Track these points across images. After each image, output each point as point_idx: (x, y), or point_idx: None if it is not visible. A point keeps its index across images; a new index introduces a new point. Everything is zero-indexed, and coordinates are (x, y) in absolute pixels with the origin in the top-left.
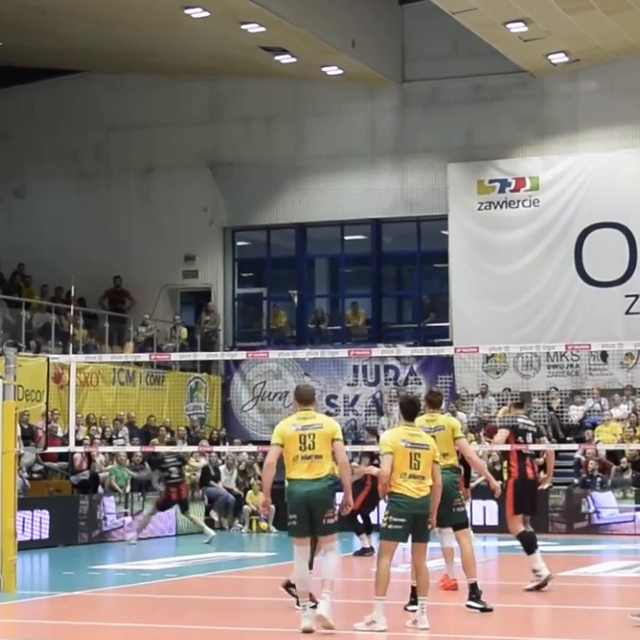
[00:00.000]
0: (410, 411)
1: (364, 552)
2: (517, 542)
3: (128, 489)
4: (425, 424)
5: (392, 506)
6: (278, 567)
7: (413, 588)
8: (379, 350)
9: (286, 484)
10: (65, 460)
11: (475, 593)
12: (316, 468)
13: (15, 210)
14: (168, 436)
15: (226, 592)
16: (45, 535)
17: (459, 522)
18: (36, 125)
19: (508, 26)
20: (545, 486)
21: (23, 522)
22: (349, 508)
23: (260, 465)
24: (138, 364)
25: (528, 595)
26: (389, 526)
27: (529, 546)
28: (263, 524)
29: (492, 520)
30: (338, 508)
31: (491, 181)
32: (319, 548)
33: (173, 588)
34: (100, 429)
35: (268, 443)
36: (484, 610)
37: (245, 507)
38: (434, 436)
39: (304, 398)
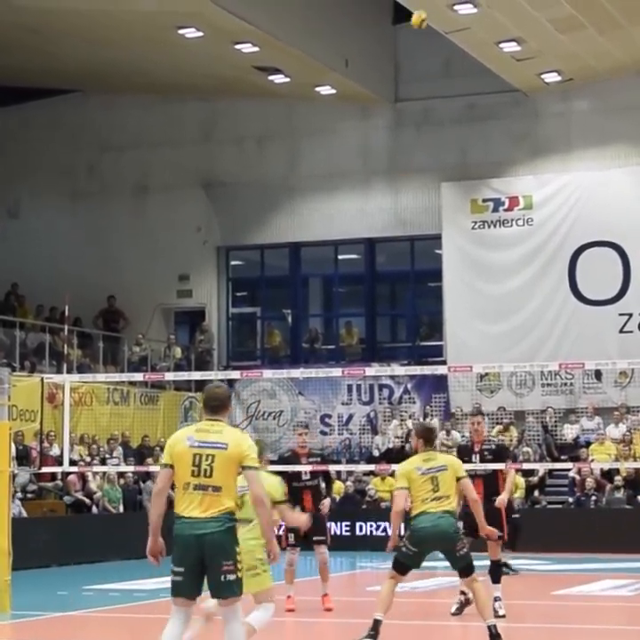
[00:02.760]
0: None
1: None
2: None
3: (121, 508)
4: (421, 464)
5: None
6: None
7: None
8: (373, 369)
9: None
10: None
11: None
12: (211, 503)
13: (9, 229)
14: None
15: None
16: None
17: (462, 565)
18: (30, 144)
19: (501, 45)
20: (501, 504)
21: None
22: (276, 560)
23: None
24: (132, 383)
25: (522, 614)
26: None
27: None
28: None
29: None
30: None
31: (484, 200)
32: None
33: (168, 608)
34: (89, 448)
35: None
36: None
37: None
38: (435, 477)
39: (210, 403)
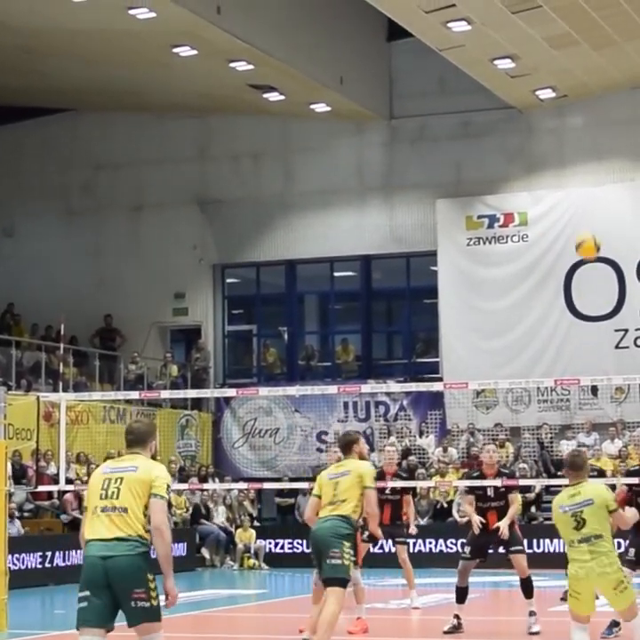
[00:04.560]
0: None
1: None
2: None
3: None
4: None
5: None
6: (268, 604)
7: None
8: (368, 386)
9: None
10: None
11: None
12: (119, 524)
13: (4, 248)
14: None
15: (216, 630)
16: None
17: (326, 576)
18: (25, 164)
19: (495, 62)
20: (504, 534)
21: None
22: (173, 604)
23: (252, 502)
24: (128, 401)
25: (520, 631)
26: None
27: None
28: (252, 561)
29: None
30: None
31: (479, 217)
32: None
33: (163, 627)
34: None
35: (258, 479)
36: None
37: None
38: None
39: (126, 437)
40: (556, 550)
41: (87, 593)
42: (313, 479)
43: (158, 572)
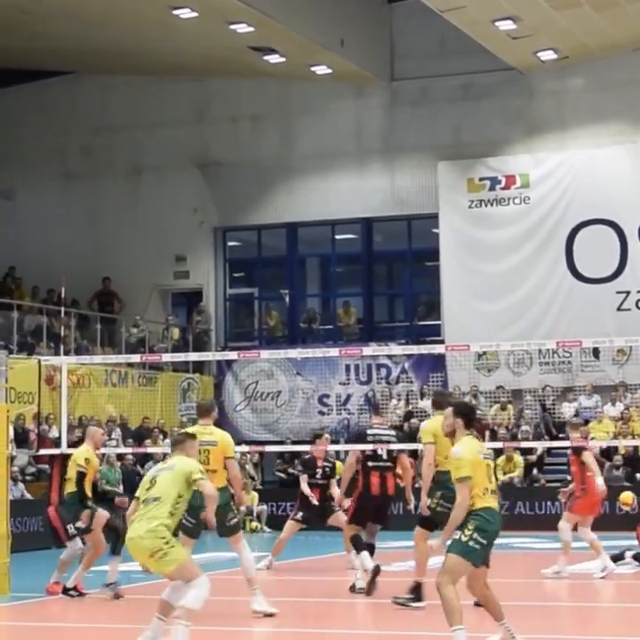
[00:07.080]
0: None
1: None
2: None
3: (120, 489)
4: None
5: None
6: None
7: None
8: (370, 349)
9: None
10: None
11: None
12: None
13: (3, 212)
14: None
15: (218, 593)
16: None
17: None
18: (23, 127)
19: (497, 23)
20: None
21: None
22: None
23: (255, 465)
24: (130, 365)
25: (524, 592)
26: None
27: (357, 546)
28: (255, 524)
29: None
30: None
31: (481, 179)
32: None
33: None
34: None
35: (260, 442)
36: None
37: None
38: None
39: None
40: (558, 511)
41: None
42: (313, 442)
43: None
